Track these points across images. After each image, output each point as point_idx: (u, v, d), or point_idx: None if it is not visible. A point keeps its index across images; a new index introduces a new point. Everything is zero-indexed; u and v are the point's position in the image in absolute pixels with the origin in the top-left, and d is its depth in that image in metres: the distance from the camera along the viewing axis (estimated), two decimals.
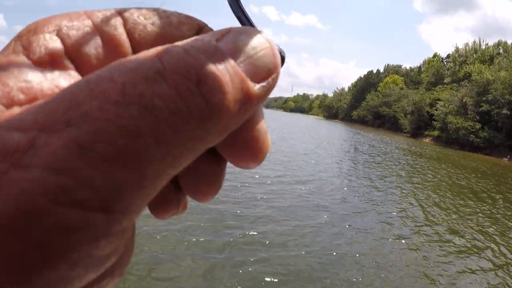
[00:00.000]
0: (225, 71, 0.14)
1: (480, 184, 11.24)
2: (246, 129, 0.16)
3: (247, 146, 0.17)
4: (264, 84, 0.15)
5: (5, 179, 0.11)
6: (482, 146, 27.08)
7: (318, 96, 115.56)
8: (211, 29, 0.18)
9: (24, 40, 0.15)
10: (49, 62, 0.15)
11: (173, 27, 0.18)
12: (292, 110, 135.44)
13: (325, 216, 5.59)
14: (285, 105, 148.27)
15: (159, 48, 0.14)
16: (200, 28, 0.18)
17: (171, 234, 4.05)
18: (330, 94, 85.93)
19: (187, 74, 0.13)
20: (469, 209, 7.46)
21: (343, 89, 77.41)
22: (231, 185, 6.31)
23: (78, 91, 0.13)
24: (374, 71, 63.15)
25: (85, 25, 0.16)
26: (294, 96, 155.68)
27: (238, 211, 5.19)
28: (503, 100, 26.74)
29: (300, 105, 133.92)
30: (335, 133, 30.15)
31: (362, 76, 64.28)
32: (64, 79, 0.15)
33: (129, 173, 0.12)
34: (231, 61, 0.14)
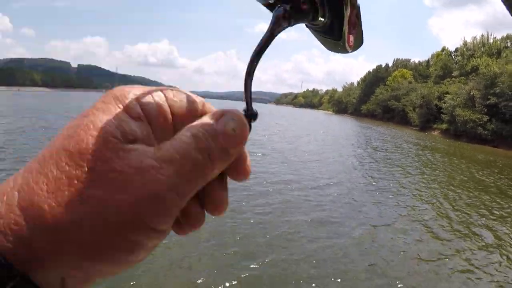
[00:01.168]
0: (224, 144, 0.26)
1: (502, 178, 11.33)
2: (239, 163, 0.28)
3: (241, 170, 0.28)
4: (240, 146, 0.26)
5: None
6: (489, 139, 27.86)
7: (327, 91, 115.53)
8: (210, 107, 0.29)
9: (120, 99, 0.25)
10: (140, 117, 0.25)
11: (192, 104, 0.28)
12: (301, 106, 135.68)
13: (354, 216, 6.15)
14: (295, 100, 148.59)
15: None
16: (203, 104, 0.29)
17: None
18: (340, 89, 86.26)
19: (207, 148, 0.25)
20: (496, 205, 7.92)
21: (352, 83, 77.80)
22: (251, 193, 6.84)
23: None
24: (383, 66, 63.44)
25: (158, 96, 0.27)
26: (304, 91, 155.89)
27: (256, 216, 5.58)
28: (510, 93, 27.36)
29: (310, 100, 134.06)
30: (346, 128, 30.70)
31: (371, 71, 64.69)
32: (143, 129, 0.25)
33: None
34: (221, 139, 0.25)
